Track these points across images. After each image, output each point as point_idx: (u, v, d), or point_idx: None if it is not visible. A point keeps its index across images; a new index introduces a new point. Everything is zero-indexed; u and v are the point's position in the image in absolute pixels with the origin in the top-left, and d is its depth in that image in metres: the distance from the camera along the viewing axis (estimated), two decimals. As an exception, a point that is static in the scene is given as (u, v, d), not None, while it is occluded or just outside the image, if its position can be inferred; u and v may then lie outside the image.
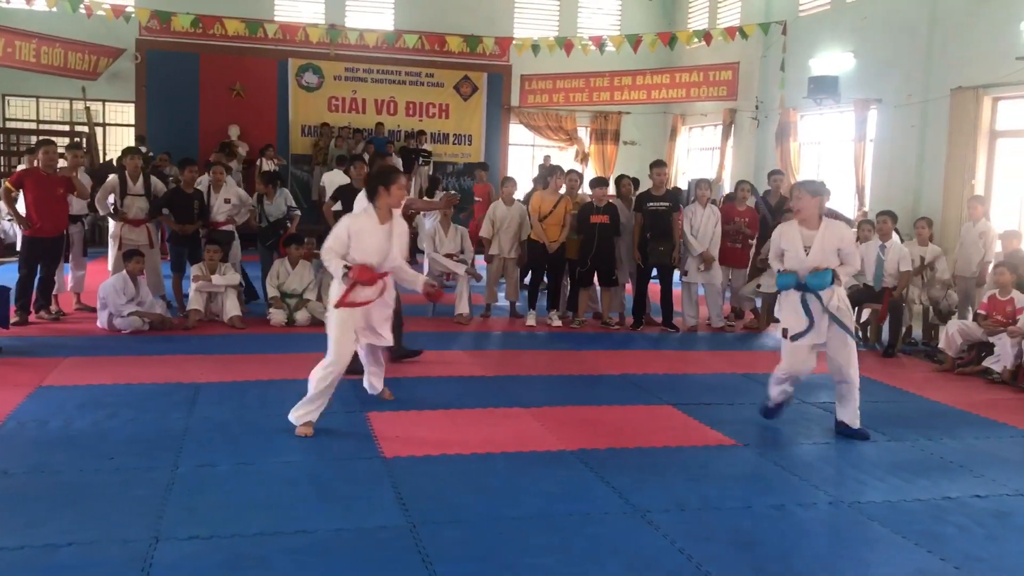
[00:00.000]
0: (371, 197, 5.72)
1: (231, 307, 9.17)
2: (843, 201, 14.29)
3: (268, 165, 16.76)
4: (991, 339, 8.07)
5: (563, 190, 9.82)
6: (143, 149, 13.94)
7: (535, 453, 5.41)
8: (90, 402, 6.09)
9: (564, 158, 20.90)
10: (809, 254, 5.80)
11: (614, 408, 6.30)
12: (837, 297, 5.83)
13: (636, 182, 11.24)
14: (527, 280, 10.49)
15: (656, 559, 3.98)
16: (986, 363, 8.05)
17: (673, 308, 9.96)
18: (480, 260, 10.52)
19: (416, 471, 5.01)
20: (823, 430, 6.19)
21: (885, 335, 9.37)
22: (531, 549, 4.03)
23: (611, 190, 11.01)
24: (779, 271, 6.02)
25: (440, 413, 6.22)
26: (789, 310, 5.94)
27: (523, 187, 20.33)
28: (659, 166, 9.82)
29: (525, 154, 21.53)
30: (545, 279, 10.19)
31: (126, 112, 18.93)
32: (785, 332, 5.97)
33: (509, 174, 15.00)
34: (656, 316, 10.01)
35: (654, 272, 9.74)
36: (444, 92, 20.23)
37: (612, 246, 9.67)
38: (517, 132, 20.95)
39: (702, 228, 9.72)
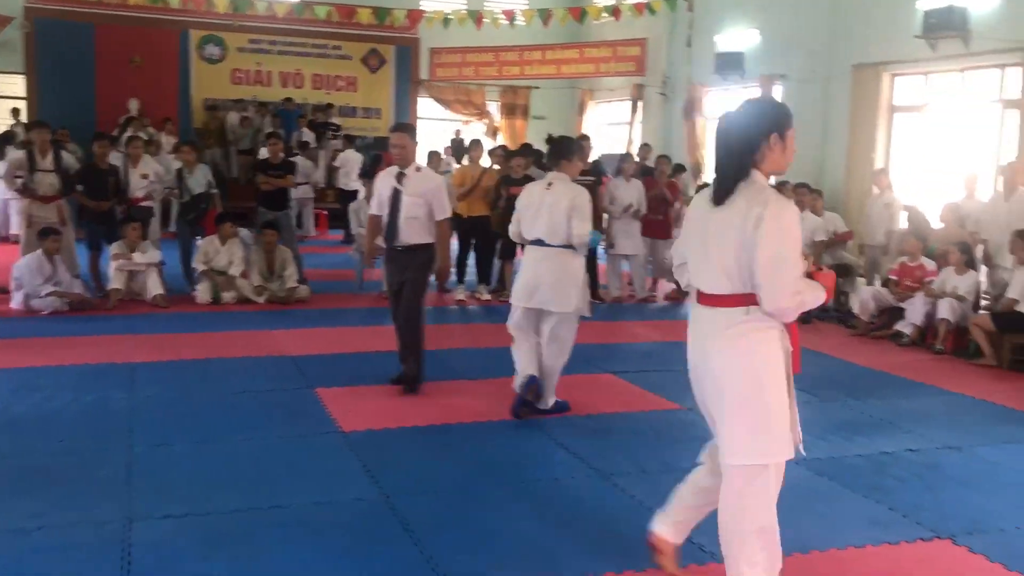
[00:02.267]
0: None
1: (153, 285, 8.93)
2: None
3: (168, 141, 16.21)
4: (902, 304, 8.53)
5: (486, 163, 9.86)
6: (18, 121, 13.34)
7: (491, 423, 5.51)
8: (24, 385, 5.89)
9: (474, 132, 20.92)
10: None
11: (562, 378, 6.41)
12: None
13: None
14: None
15: (628, 518, 4.12)
16: (896, 327, 8.50)
17: (598, 280, 10.16)
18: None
19: (378, 444, 5.04)
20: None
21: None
22: (508, 515, 4.13)
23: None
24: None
25: (387, 388, 6.22)
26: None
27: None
28: (584, 140, 9.98)
29: (435, 128, 21.43)
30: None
31: (17, 84, 18.03)
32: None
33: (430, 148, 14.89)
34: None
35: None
36: (352, 65, 19.95)
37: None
38: (427, 106, 20.84)
39: (625, 201, 9.92)
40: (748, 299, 3.00)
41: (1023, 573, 3.70)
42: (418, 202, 5.90)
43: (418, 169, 6.05)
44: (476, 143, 10.10)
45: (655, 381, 6.66)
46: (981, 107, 11.82)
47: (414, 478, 4.53)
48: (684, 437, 5.38)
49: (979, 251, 8.94)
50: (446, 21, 17.39)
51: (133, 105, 17.80)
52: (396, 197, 5.94)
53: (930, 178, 12.34)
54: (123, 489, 4.24)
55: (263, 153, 10.64)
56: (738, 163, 3.02)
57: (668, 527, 3.46)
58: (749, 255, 2.93)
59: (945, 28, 11.34)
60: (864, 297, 8.83)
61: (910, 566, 3.75)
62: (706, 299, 3.11)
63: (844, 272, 9.57)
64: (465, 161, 10.94)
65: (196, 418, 5.37)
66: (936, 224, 9.47)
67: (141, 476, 4.41)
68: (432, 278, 6.32)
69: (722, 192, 3.03)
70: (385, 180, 6.09)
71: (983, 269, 9.05)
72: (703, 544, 3.82)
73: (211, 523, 3.89)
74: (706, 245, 3.07)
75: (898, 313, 8.59)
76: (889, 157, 12.88)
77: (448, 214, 6.06)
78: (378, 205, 6.15)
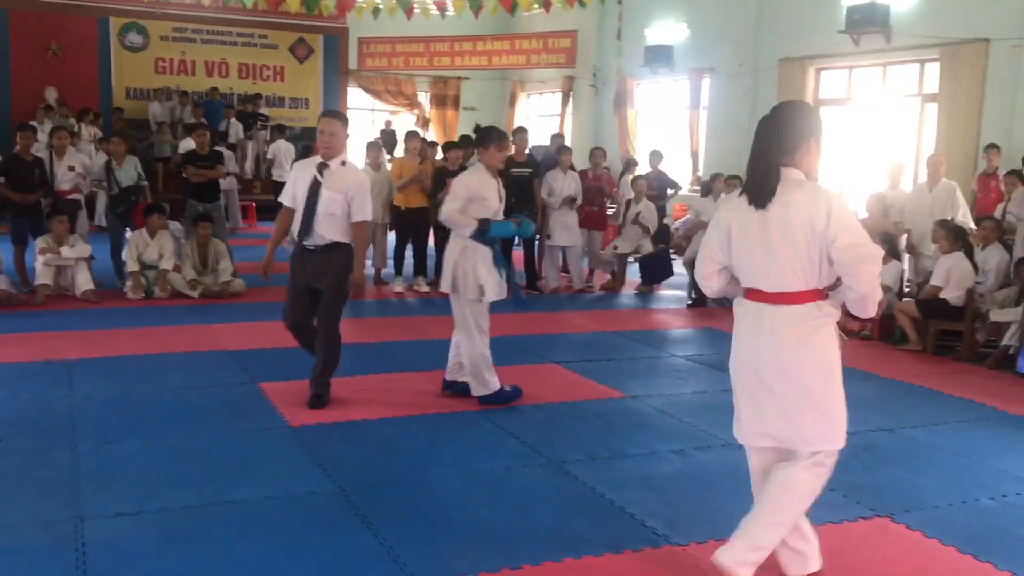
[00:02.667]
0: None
1: (83, 280, 8.70)
2: (679, 166, 15.03)
3: (88, 132, 15.76)
4: (829, 292, 8.78)
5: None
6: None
7: (439, 414, 5.53)
8: (-46, 384, 5.71)
9: (405, 123, 20.82)
10: (501, 202, 5.71)
11: (502, 368, 6.43)
12: None
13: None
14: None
15: (582, 504, 4.21)
16: (826, 314, 8.75)
17: (537, 271, 10.25)
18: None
19: (327, 437, 5.02)
20: (697, 380, 6.61)
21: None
22: (464, 504, 4.17)
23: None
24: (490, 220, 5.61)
25: (332, 381, 6.19)
26: (485, 265, 5.58)
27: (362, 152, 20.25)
28: (521, 132, 10.04)
29: (365, 118, 21.26)
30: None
31: (-78, 72, 17.33)
32: (482, 290, 5.57)
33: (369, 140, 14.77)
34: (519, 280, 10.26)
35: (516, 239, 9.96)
36: (279, 54, 19.68)
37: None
38: (356, 96, 20.66)
39: (564, 192, 10.01)
40: (819, 295, 3.22)
41: (957, 548, 3.88)
42: (338, 199, 5.33)
43: (343, 163, 5.47)
44: (413, 134, 10.07)
45: (597, 370, 6.76)
46: (902, 101, 12.24)
47: (367, 470, 4.54)
48: (630, 424, 5.50)
49: (903, 240, 9.28)
50: (376, 11, 17.26)
51: (50, 94, 17.27)
52: (315, 190, 5.34)
53: (854, 169, 12.74)
54: (70, 488, 4.15)
55: (185, 145, 10.43)
56: (778, 163, 3.16)
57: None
58: (825, 250, 3.09)
59: (868, 24, 11.73)
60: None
61: (855, 544, 3.90)
62: (774, 297, 3.22)
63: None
64: (398, 152, 10.92)
65: (140, 415, 5.27)
66: (861, 214, 9.77)
67: (88, 475, 4.32)
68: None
69: (767, 193, 3.14)
70: (304, 171, 5.50)
71: (906, 257, 9.40)
72: (656, 528, 3.92)
73: (165, 520, 3.84)
74: (770, 246, 3.16)
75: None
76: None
77: (368, 217, 5.46)
78: (291, 197, 5.50)
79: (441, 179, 9.16)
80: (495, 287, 5.61)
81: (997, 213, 8.82)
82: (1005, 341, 7.38)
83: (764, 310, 3.25)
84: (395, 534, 3.78)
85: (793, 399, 3.27)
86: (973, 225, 8.80)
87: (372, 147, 10.11)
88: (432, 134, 20.44)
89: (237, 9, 18.08)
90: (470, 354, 5.64)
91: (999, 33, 10.50)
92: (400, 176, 9.58)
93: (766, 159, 3.19)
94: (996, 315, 7.48)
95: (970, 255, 7.86)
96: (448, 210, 5.55)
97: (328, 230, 5.38)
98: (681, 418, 5.63)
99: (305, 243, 5.44)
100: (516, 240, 9.99)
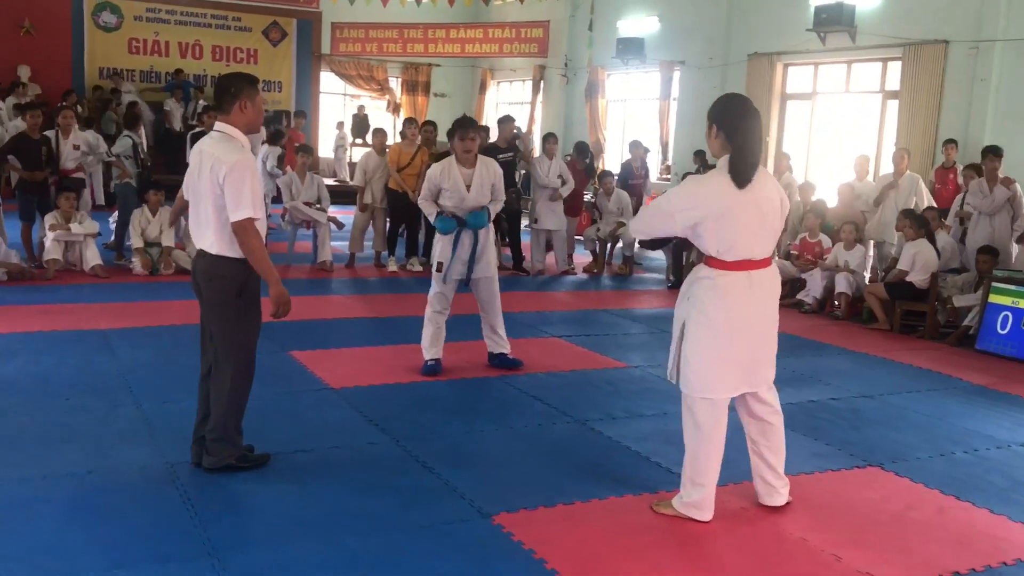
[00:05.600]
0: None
1: (92, 256, 8.99)
2: (649, 156, 15.58)
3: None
4: (803, 275, 9.44)
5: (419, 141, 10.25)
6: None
7: (464, 379, 6.01)
8: (2, 350, 6.03)
9: (376, 108, 21.15)
10: (471, 191, 5.94)
11: (512, 341, 6.91)
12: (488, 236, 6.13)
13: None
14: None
15: (612, 454, 4.73)
16: (799, 296, 9.39)
17: (522, 253, 10.74)
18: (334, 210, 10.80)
19: (369, 398, 5.46)
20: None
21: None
22: (507, 452, 4.67)
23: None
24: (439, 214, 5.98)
25: (357, 350, 6.66)
26: (445, 246, 5.95)
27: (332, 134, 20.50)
28: (508, 121, 10.51)
29: (336, 103, 21.52)
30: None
31: None
32: (440, 267, 5.96)
33: (376, 125, 15.09)
34: (506, 262, 10.73)
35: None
36: (252, 37, 19.87)
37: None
38: (328, 80, 20.90)
39: (550, 176, 10.51)
40: None
41: (941, 490, 4.47)
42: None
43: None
44: (411, 121, 10.46)
45: (597, 343, 7.30)
46: (865, 97, 12.95)
47: (414, 425, 5.00)
48: (638, 390, 6.04)
49: (868, 228, 9.95)
50: (352, -2, 17.55)
51: (23, 72, 17.29)
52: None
53: (818, 161, 13.44)
54: (149, 440, 4.56)
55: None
56: None
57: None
58: (781, 223, 3.80)
59: (834, 23, 12.39)
60: (769, 269, 9.69)
61: (854, 487, 4.48)
62: (762, 263, 3.79)
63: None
64: (369, 138, 11.33)
65: (189, 379, 5.52)
66: (830, 203, 10.42)
67: (161, 429, 4.72)
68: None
69: (753, 175, 3.69)
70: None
71: (871, 243, 10.08)
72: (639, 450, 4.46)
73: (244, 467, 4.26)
74: (764, 218, 3.72)
75: (799, 283, 9.49)
76: (782, 141, 13.91)
77: (251, 213, 3.91)
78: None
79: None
80: (455, 267, 5.94)
81: (955, 204, 9.52)
82: (965, 322, 8.07)
83: (753, 275, 3.78)
84: (455, 476, 4.26)
85: (772, 344, 3.95)
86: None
87: (378, 132, 10.45)
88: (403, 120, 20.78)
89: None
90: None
91: (958, 36, 11.22)
92: (397, 162, 9.97)
93: (760, 147, 3.76)
94: (959, 300, 8.15)
95: (933, 242, 8.53)
96: (420, 199, 6.09)
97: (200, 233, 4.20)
98: (683, 385, 6.17)
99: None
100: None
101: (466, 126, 5.97)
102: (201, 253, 4.13)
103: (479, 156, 6.01)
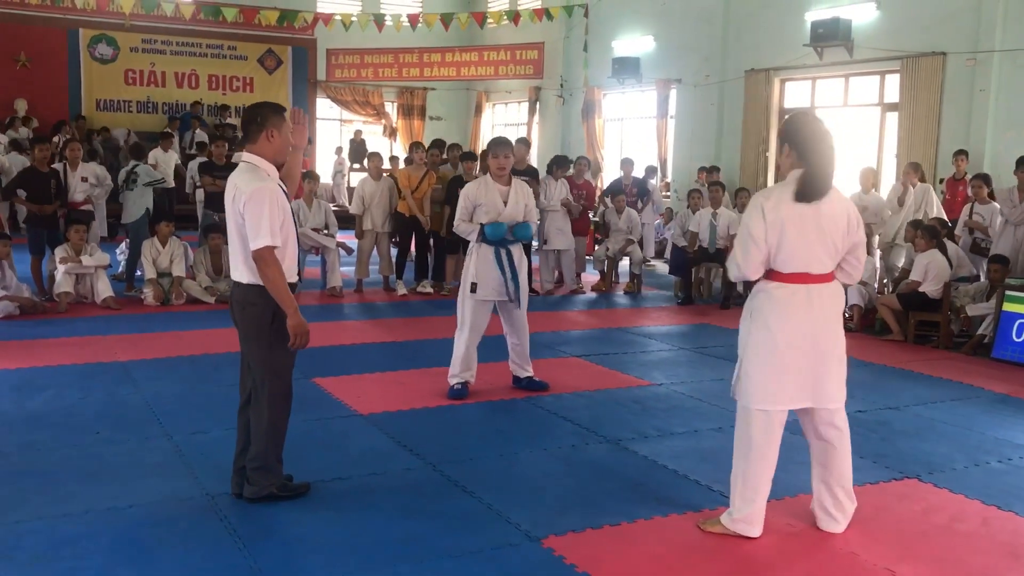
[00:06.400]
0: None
1: (103, 288, 8.96)
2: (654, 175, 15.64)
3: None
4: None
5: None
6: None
7: (491, 402, 5.99)
8: (26, 384, 6.00)
9: (373, 133, 21.21)
10: (507, 206, 5.96)
11: (533, 362, 6.90)
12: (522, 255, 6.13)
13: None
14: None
15: (650, 473, 4.71)
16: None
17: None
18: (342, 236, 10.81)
19: (399, 423, 5.44)
20: (711, 369, 7.16)
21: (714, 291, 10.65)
22: (546, 475, 4.65)
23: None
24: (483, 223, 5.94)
25: (379, 375, 6.64)
26: (481, 264, 5.94)
27: (330, 160, 20.54)
28: (521, 143, 10.54)
29: (333, 129, 21.57)
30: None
31: None
32: (474, 287, 5.94)
33: (378, 151, 15.04)
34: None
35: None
36: (248, 65, 19.94)
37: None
38: (324, 106, 20.96)
39: (555, 198, 10.54)
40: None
41: (982, 500, 4.47)
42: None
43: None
44: (417, 145, 10.49)
45: (617, 362, 7.30)
46: (864, 110, 13.03)
47: (448, 449, 4.97)
48: (666, 408, 6.03)
49: (876, 241, 10.00)
50: (348, 25, 17.59)
51: (20, 105, 17.31)
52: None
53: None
54: (185, 471, 4.52)
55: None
56: None
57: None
58: (848, 241, 3.80)
59: (831, 38, 12.49)
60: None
61: (895, 500, 4.47)
62: (821, 278, 3.79)
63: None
64: (367, 162, 11.35)
65: (215, 409, 5.61)
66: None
67: (195, 460, 4.69)
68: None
69: (825, 192, 3.73)
70: None
71: (877, 254, 10.13)
72: (723, 491, 4.44)
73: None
74: (823, 234, 3.72)
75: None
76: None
77: (269, 242, 3.88)
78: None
79: (454, 188, 9.59)
80: (492, 285, 5.94)
81: (964, 214, 9.57)
82: (980, 331, 8.09)
83: (812, 289, 3.79)
84: (497, 500, 4.24)
85: (838, 360, 3.90)
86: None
87: (373, 157, 10.47)
88: (399, 144, 20.86)
89: (206, 21, 18.26)
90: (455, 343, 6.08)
91: (954, 47, 11.32)
92: (408, 185, 9.99)
93: (833, 166, 3.76)
94: (972, 309, 8.18)
95: (944, 252, 8.57)
96: (456, 222, 6.06)
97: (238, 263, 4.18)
98: (710, 402, 6.17)
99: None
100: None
101: (501, 144, 6.05)
102: (236, 283, 4.11)
103: (511, 176, 6.07)
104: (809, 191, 3.71)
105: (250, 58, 19.90)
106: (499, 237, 5.92)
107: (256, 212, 3.88)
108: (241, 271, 4.07)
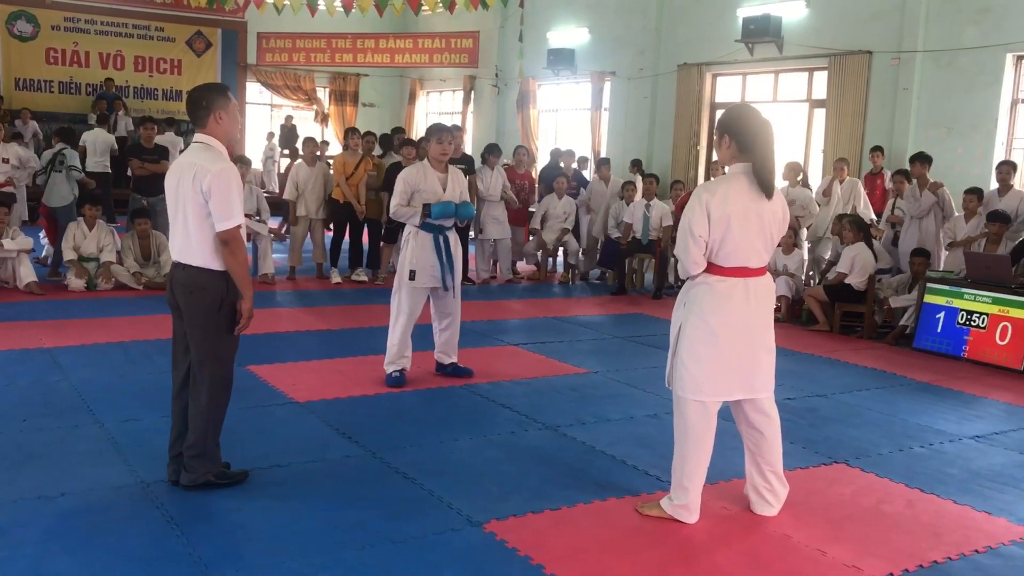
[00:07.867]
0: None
1: (26, 272, 8.69)
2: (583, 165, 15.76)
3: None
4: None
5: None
6: None
7: (430, 390, 5.99)
8: (-54, 371, 5.80)
9: (304, 119, 20.93)
10: (446, 192, 5.97)
11: (470, 350, 6.92)
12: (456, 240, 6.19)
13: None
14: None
15: (589, 459, 4.77)
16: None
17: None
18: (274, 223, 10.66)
19: (337, 411, 5.40)
20: (645, 357, 7.27)
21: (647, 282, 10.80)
22: (486, 461, 4.67)
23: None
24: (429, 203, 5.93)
25: (315, 363, 6.57)
26: (420, 251, 5.95)
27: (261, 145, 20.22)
28: (458, 131, 10.52)
29: (263, 113, 21.22)
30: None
31: None
32: (412, 274, 5.94)
33: (311, 137, 14.83)
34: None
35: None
36: (176, 47, 19.48)
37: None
38: (254, 91, 20.60)
39: (492, 187, 10.56)
40: None
41: (906, 483, 4.64)
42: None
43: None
44: (353, 131, 10.38)
45: (554, 350, 7.35)
46: (792, 106, 13.32)
47: (387, 436, 4.96)
48: (602, 395, 6.10)
49: (804, 233, 10.25)
50: (280, 8, 17.29)
51: (-66, 83, 16.65)
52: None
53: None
54: (118, 459, 4.43)
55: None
56: None
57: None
58: (780, 234, 3.91)
59: (762, 35, 12.73)
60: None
61: (825, 484, 4.61)
62: (758, 271, 3.88)
63: (662, 260, 10.65)
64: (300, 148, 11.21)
65: (147, 395, 5.50)
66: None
67: (128, 447, 4.59)
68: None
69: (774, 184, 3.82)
70: None
71: (805, 247, 10.39)
72: (659, 475, 4.52)
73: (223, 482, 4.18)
74: (763, 228, 3.80)
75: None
76: (711, 150, 14.22)
77: (239, 221, 3.94)
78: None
79: (393, 175, 9.51)
80: (430, 272, 5.95)
81: (887, 209, 9.87)
82: (902, 322, 8.37)
83: (750, 283, 3.88)
84: (438, 486, 4.25)
85: (769, 352, 4.00)
86: (874, 216, 9.86)
87: (308, 143, 10.34)
88: (331, 130, 20.63)
89: (133, 0, 17.77)
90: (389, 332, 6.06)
91: (880, 46, 11.64)
92: (343, 172, 9.89)
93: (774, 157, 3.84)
94: (895, 301, 8.46)
95: (870, 245, 8.83)
96: (394, 206, 6.00)
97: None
98: (644, 389, 6.27)
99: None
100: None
101: (444, 130, 6.05)
102: (180, 265, 4.03)
103: (447, 164, 6.07)
104: (767, 186, 3.78)
105: (178, 40, 19.42)
106: (447, 215, 5.93)
107: (223, 192, 3.83)
108: (191, 253, 3.95)
